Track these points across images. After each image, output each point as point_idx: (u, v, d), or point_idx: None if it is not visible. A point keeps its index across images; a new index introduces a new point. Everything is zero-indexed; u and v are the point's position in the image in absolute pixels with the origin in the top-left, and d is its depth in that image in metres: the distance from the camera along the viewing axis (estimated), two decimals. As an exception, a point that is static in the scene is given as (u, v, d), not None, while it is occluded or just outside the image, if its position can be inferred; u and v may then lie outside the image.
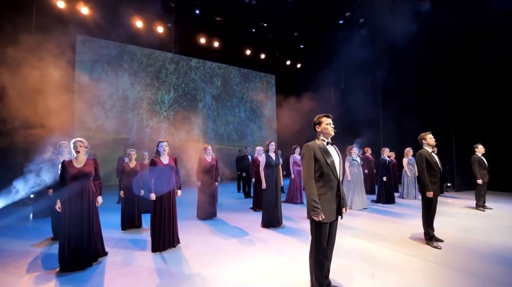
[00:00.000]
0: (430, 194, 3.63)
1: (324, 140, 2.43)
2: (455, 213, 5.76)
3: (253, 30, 11.38)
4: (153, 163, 3.63)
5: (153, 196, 3.56)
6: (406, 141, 7.91)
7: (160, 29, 11.02)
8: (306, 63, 14.62)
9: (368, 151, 8.10)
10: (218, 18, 10.48)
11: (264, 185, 4.73)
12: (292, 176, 7.02)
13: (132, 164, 4.88)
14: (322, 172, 2.30)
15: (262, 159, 4.82)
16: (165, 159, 3.71)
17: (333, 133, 2.43)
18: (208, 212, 5.28)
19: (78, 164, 3.15)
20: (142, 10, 10.34)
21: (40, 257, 3.42)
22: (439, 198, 4.64)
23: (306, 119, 14.00)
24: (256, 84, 15.73)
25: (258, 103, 15.68)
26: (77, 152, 3.14)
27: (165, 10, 10.28)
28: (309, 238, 2.49)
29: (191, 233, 4.42)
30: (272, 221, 4.64)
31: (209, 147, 5.43)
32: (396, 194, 7.43)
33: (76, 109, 10.48)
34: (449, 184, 8.86)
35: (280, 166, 4.95)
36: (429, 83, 9.77)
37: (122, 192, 4.75)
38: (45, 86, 7.74)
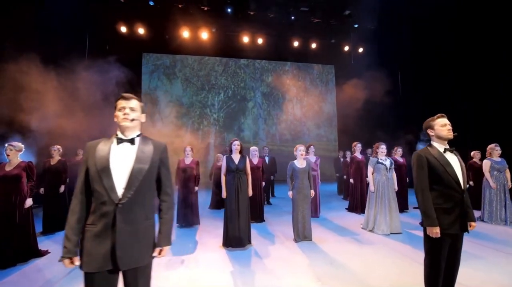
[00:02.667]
0: (433, 231, 2.01)
1: (440, 146, 2.12)
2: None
3: (292, 17, 10.23)
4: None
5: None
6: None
7: (205, 35, 11.36)
8: (369, 46, 12.17)
9: (398, 152, 5.92)
10: (252, 13, 9.93)
11: (224, 194, 3.93)
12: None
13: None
14: (441, 182, 2.03)
15: (222, 162, 4.02)
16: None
17: (451, 136, 2.12)
18: (186, 219, 4.85)
19: (9, 167, 3.31)
20: (188, 21, 10.84)
21: None
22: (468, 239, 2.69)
23: (371, 113, 11.72)
24: (312, 78, 14.24)
25: (316, 98, 14.15)
26: (7, 155, 3.31)
27: (206, 17, 10.49)
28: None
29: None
30: (232, 239, 3.78)
31: (188, 148, 5.01)
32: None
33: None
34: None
35: (308, 171, 4.14)
36: None
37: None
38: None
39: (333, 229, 4.76)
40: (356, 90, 12.22)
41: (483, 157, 5.58)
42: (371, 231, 4.55)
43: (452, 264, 2.10)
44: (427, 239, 2.08)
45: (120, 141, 1.54)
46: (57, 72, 6.59)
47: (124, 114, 1.53)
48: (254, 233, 4.54)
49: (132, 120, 1.54)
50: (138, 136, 1.59)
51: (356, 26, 10.92)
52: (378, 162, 4.61)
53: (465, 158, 6.36)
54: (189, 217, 4.86)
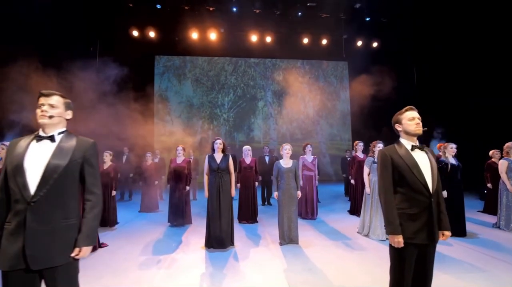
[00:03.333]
0: (395, 240, 1.77)
1: (408, 143, 1.87)
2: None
3: (299, 13, 9.96)
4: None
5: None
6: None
7: (213, 35, 11.40)
8: (384, 40, 11.56)
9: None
10: (257, 11, 9.80)
11: (206, 194, 3.86)
12: (301, 183, 5.52)
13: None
14: (406, 184, 1.79)
15: (205, 161, 3.94)
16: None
17: (419, 131, 1.85)
18: (176, 219, 4.85)
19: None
20: (196, 22, 10.92)
21: None
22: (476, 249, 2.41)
23: (386, 110, 11.12)
24: (325, 75, 13.80)
25: (328, 95, 13.70)
26: (-2, 154, 3.48)
27: (213, 17, 10.53)
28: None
29: (132, 237, 4.15)
30: (213, 240, 3.70)
31: (180, 147, 5.00)
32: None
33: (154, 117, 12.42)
34: None
35: (295, 171, 3.95)
36: None
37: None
38: (133, 101, 9.28)
39: (325, 232, 4.51)
40: (370, 87, 11.66)
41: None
42: (366, 236, 4.25)
43: (422, 278, 1.84)
44: (390, 248, 1.85)
45: (39, 138, 1.50)
46: (70, 75, 6.94)
47: (42, 111, 1.50)
48: (242, 234, 4.45)
49: (51, 117, 1.50)
50: (61, 133, 1.56)
51: (368, 19, 10.40)
52: (374, 162, 4.30)
53: (484, 157, 5.84)
54: (179, 217, 4.85)
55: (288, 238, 3.90)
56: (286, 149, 3.98)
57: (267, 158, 6.91)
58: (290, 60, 13.48)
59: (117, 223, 5.00)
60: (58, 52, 7.44)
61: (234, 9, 9.67)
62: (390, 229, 1.78)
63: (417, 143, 1.89)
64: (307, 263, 3.23)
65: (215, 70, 13.05)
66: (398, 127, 1.95)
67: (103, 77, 8.53)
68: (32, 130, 1.62)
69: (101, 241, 3.85)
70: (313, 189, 5.41)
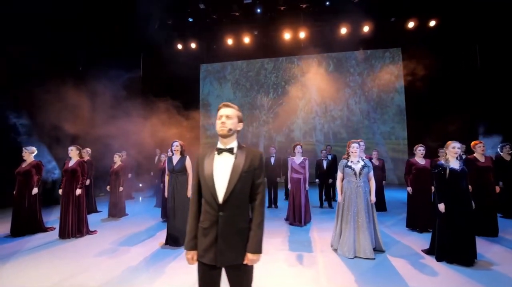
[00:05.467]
0: (186, 256, 1.56)
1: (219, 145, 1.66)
2: None
3: (327, 3, 9.18)
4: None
5: None
6: None
7: (246, 39, 11.69)
8: (446, 16, 9.47)
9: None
10: (282, 8, 9.54)
11: (166, 194, 4.10)
12: (289, 186, 5.16)
13: None
14: (203, 192, 1.61)
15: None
16: None
17: (224, 131, 1.60)
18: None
19: (24, 165, 4.58)
20: (229, 29, 11.42)
21: None
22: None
23: (446, 102, 9.14)
24: (375, 65, 12.22)
25: (380, 89, 12.11)
26: (23, 156, 4.58)
27: (243, 22, 10.79)
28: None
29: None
30: (169, 237, 3.93)
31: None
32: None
33: (201, 121, 13.60)
34: None
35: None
36: None
37: None
38: (181, 108, 10.57)
39: (296, 241, 4.12)
40: (428, 75, 9.92)
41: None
42: (335, 250, 3.69)
43: None
44: None
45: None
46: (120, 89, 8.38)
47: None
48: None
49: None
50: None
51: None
52: (347, 165, 3.69)
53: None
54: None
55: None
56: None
57: (272, 159, 6.69)
58: (328, 53, 12.51)
59: (125, 215, 5.81)
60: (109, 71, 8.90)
61: (258, 10, 9.65)
62: (185, 243, 1.63)
63: (229, 145, 1.64)
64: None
65: (254, 70, 13.21)
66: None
67: (147, 89, 9.89)
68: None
69: (91, 229, 4.59)
70: (301, 193, 4.98)
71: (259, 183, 1.61)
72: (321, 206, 6.68)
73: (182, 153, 4.11)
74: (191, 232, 1.62)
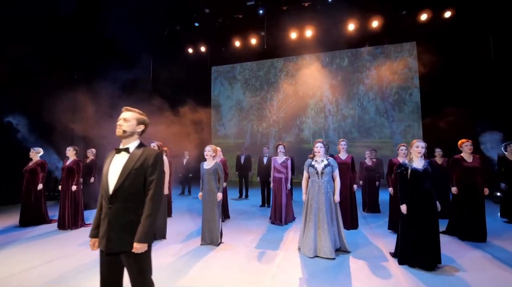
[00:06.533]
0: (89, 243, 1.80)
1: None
2: None
3: (329, 0, 8.98)
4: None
5: None
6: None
7: (253, 40, 11.81)
8: (462, 6, 8.80)
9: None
10: (284, 8, 9.53)
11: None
12: (271, 185, 5.21)
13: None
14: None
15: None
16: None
17: (119, 133, 1.79)
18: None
19: (30, 163, 5.18)
20: (238, 32, 11.60)
21: None
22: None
23: (466, 98, 8.52)
24: (389, 61, 11.67)
25: (394, 86, 11.56)
26: (30, 156, 5.18)
27: (247, 24, 10.90)
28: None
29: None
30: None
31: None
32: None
33: (212, 121, 14.00)
34: None
35: (217, 173, 3.94)
36: None
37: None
38: (194, 110, 11.01)
39: (267, 240, 4.17)
40: (444, 70, 9.36)
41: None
42: (299, 249, 3.70)
43: None
44: None
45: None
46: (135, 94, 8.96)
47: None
48: (189, 229, 4.72)
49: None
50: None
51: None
52: (311, 165, 3.68)
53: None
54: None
55: (208, 238, 3.92)
56: (206, 151, 4.00)
57: (265, 159, 6.76)
58: (337, 51, 12.21)
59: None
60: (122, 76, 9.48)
61: (261, 12, 9.74)
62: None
63: (127, 145, 1.82)
64: (187, 265, 3.20)
65: (264, 69, 13.27)
66: None
67: (157, 93, 10.43)
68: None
69: (86, 223, 5.05)
70: (282, 193, 5.00)
71: (151, 180, 1.76)
72: None
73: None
74: (95, 222, 1.82)
